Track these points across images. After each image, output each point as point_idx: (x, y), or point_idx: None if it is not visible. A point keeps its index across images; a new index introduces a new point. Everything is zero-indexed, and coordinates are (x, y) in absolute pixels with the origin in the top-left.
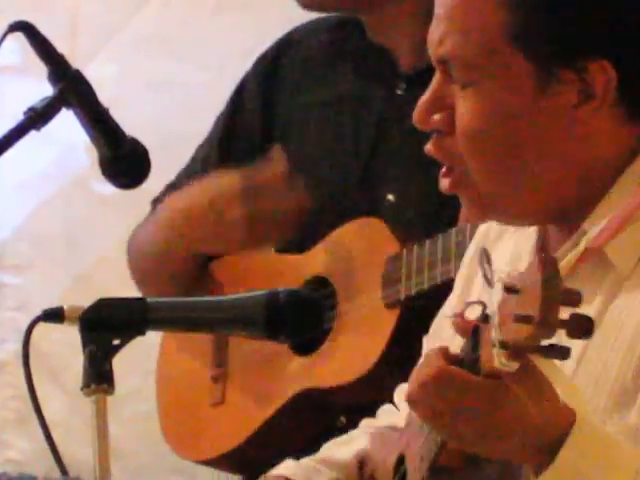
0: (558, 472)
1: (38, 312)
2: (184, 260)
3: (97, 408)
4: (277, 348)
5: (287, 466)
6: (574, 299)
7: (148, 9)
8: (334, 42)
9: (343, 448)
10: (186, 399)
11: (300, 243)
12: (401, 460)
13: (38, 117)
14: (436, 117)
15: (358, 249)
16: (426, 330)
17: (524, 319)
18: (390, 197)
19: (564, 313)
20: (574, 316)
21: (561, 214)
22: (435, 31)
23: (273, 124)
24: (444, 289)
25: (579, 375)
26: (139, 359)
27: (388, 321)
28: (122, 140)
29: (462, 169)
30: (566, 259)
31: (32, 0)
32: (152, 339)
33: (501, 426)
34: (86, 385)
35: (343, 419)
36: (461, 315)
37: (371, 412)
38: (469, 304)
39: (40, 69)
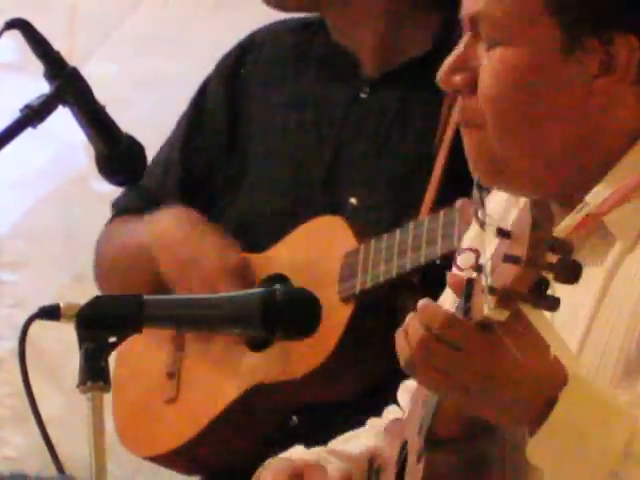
0: (554, 427)
1: (35, 309)
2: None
3: (93, 405)
4: (232, 344)
5: (296, 450)
6: (565, 247)
7: (146, 7)
8: (298, 44)
9: (352, 441)
10: (142, 397)
11: (265, 245)
12: (404, 445)
13: (34, 114)
14: (459, 77)
15: (317, 246)
16: (383, 324)
17: (511, 259)
18: (353, 200)
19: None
20: (562, 260)
21: (568, 187)
22: None
23: (237, 125)
24: (401, 283)
25: (586, 348)
26: None
27: (342, 315)
28: (118, 138)
29: (482, 130)
30: (564, 223)
31: None
32: None
33: (495, 376)
34: (82, 382)
35: (295, 419)
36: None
37: (324, 413)
38: (462, 251)
39: (37, 67)
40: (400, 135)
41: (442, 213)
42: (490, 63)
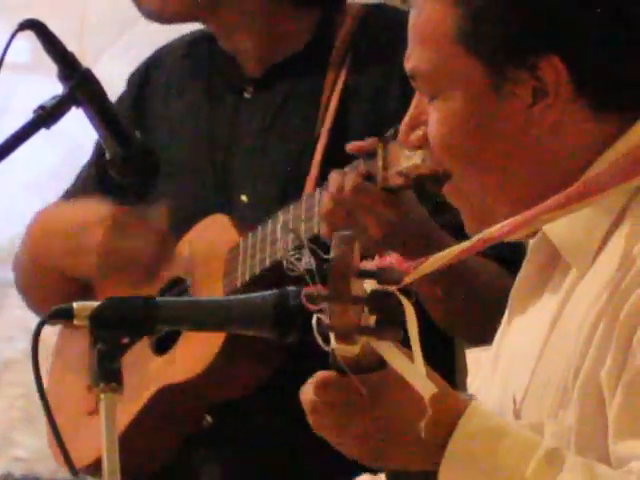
0: (450, 460)
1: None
2: (57, 279)
3: (106, 407)
4: (139, 350)
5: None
6: (377, 273)
7: None
8: (190, 55)
9: None
10: (65, 409)
11: None
12: None
13: (48, 115)
14: (415, 135)
15: (204, 245)
16: None
17: (322, 298)
18: (244, 198)
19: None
20: (373, 292)
21: None
22: (407, 50)
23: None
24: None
25: (534, 377)
26: None
27: None
28: (132, 139)
29: (453, 182)
30: (456, 247)
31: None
32: None
33: (382, 424)
34: (95, 384)
35: (209, 418)
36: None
37: (237, 411)
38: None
39: (49, 67)
40: (283, 129)
41: (304, 198)
42: (433, 116)
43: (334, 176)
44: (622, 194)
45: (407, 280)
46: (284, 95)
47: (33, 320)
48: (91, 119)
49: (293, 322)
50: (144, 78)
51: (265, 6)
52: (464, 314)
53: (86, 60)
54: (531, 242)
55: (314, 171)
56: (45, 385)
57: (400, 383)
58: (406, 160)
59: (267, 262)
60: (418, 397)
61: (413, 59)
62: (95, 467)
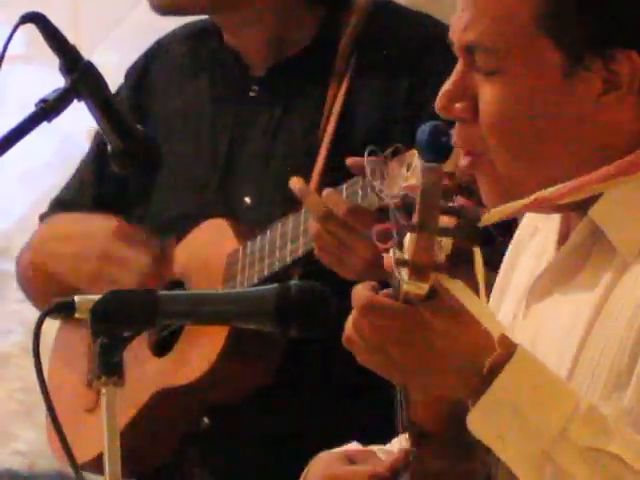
0: (492, 399)
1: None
2: (54, 284)
3: (107, 400)
4: (138, 351)
5: (349, 445)
6: (465, 212)
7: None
8: (192, 50)
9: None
10: (64, 406)
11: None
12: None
13: (50, 109)
14: (458, 105)
15: (204, 249)
16: None
17: (408, 228)
18: (247, 199)
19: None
20: (459, 224)
21: (577, 202)
22: (460, 18)
23: None
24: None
25: (579, 364)
26: None
27: None
28: (134, 132)
29: (484, 156)
30: (509, 205)
31: None
32: None
33: (430, 352)
34: (96, 377)
35: (206, 420)
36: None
37: (233, 412)
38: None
39: (45, 59)
40: (287, 131)
41: (304, 209)
42: (491, 92)
43: (329, 197)
44: None
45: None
46: (288, 95)
47: (31, 313)
48: (93, 112)
49: (295, 315)
50: (143, 71)
51: (276, 5)
52: None
53: (81, 52)
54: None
55: (316, 177)
56: (50, 385)
57: (454, 316)
58: (403, 181)
59: (265, 272)
60: (475, 332)
61: (477, 32)
62: (93, 464)
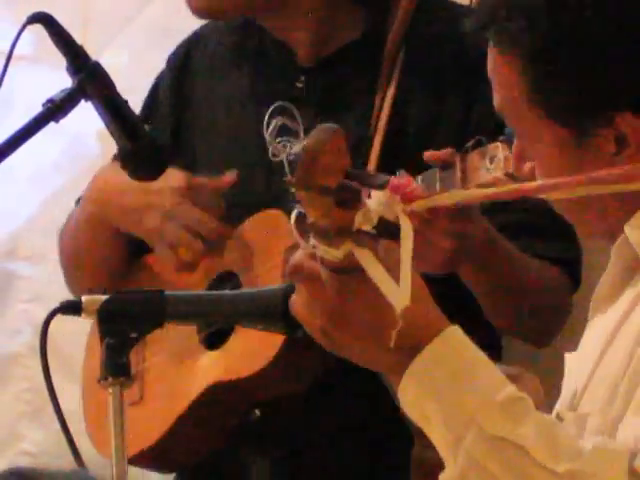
0: (410, 379)
1: (51, 304)
2: (113, 236)
3: (114, 400)
4: (189, 344)
5: None
6: (362, 176)
7: (158, 0)
8: (235, 42)
9: None
10: (107, 400)
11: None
12: None
13: (57, 109)
14: (526, 166)
15: (259, 241)
16: None
17: (290, 184)
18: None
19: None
20: (342, 184)
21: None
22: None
23: (183, 120)
24: None
25: (597, 371)
26: None
27: None
28: (141, 132)
29: None
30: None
31: None
32: None
33: (354, 320)
34: (103, 377)
35: (257, 412)
36: None
37: (285, 404)
38: None
39: (52, 59)
40: (336, 121)
41: None
42: (535, 159)
43: None
44: None
45: (416, 206)
46: (337, 87)
47: (39, 314)
48: (100, 112)
49: None
50: (185, 58)
51: (322, 4)
52: (510, 310)
53: (89, 53)
54: (614, 246)
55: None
56: (87, 378)
57: (374, 289)
58: (486, 173)
59: None
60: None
61: (498, 99)
62: (138, 459)
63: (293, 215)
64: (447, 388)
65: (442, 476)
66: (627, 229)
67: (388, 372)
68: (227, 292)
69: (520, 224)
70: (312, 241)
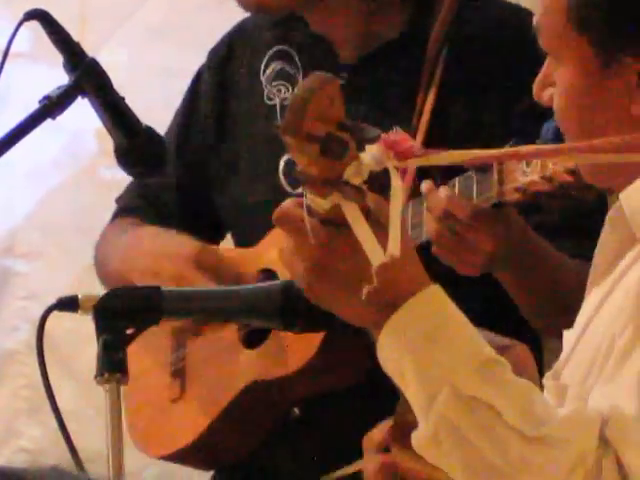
0: (388, 336)
1: (48, 301)
2: None
3: (111, 397)
4: (228, 342)
5: None
6: (353, 127)
7: None
8: (277, 37)
9: None
10: (148, 397)
11: (258, 236)
12: None
13: (54, 105)
14: (546, 94)
15: None
16: None
17: (279, 129)
18: None
19: None
20: (329, 134)
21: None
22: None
23: (226, 114)
24: None
25: (579, 343)
26: None
27: None
28: (137, 129)
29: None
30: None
31: None
32: None
33: (334, 272)
34: (100, 374)
35: (296, 410)
36: None
37: (324, 402)
38: None
39: (50, 57)
40: (378, 119)
41: (410, 203)
42: (556, 85)
43: (452, 201)
44: None
45: (410, 164)
46: (379, 84)
47: (37, 310)
48: (96, 109)
49: (299, 312)
50: (227, 52)
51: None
52: (548, 310)
53: (87, 50)
54: (608, 216)
55: (410, 176)
56: (131, 375)
57: (357, 244)
58: (522, 176)
59: None
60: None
61: (540, 12)
62: (178, 456)
63: (282, 161)
64: (423, 346)
65: (415, 434)
66: (622, 197)
67: (370, 327)
68: (224, 288)
69: (556, 224)
70: (301, 189)
